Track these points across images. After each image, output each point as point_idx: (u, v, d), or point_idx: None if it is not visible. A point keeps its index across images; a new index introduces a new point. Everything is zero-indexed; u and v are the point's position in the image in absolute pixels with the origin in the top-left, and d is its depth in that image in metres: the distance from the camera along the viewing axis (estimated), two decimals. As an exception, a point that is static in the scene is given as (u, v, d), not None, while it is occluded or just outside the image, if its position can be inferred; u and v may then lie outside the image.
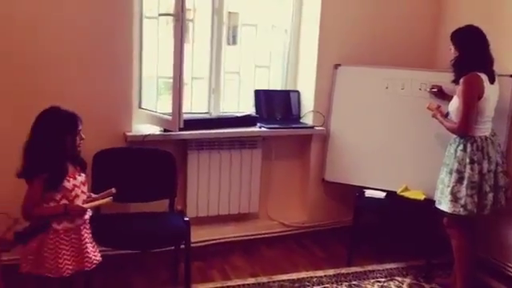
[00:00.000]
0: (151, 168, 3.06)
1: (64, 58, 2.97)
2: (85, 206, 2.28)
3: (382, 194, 3.43)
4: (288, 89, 3.91)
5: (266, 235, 3.74)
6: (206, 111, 3.66)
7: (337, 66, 3.70)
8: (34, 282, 2.27)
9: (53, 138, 2.19)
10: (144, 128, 3.26)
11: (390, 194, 3.42)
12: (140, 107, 3.31)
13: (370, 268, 3.38)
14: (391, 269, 3.39)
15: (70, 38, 2.97)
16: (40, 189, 2.16)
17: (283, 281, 3.15)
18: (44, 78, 2.93)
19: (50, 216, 2.18)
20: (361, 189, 3.51)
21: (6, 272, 2.41)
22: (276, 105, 3.84)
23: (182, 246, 2.88)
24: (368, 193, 3.47)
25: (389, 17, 3.81)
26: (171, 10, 2.98)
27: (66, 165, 2.26)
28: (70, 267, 2.22)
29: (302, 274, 3.25)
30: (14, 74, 2.88)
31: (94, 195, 2.46)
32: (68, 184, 2.23)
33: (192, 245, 2.85)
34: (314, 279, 3.19)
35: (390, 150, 3.56)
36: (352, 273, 3.31)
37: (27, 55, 2.89)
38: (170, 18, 3.04)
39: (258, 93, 3.78)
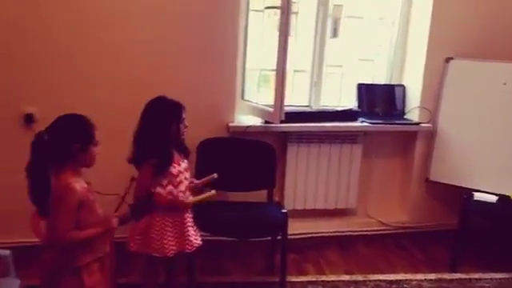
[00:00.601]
0: (252, 159, 3.12)
1: (171, 50, 3.12)
2: (189, 200, 2.37)
3: (494, 198, 3.19)
4: (393, 83, 3.76)
5: (363, 232, 3.65)
6: (307, 104, 3.65)
7: (448, 59, 3.49)
8: (141, 259, 2.44)
9: (159, 125, 2.29)
10: (246, 119, 3.33)
11: (503, 199, 3.16)
12: (243, 99, 3.38)
13: (476, 276, 3.16)
14: (501, 279, 3.14)
15: (179, 30, 3.11)
16: (149, 174, 2.27)
17: (379, 281, 3.06)
18: (153, 69, 3.10)
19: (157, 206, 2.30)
20: (469, 191, 3.29)
21: (117, 249, 2.60)
22: (379, 99, 3.71)
23: (279, 238, 2.91)
24: (477, 196, 3.23)
25: (509, 7, 3.50)
26: (277, 3, 3.00)
27: (172, 151, 2.36)
28: (174, 248, 2.34)
29: (400, 276, 3.13)
30: (124, 67, 3.08)
31: (196, 181, 2.56)
32: (174, 170, 2.34)
33: (288, 237, 2.86)
34: (413, 282, 3.06)
35: (504, 151, 3.29)
36: (456, 279, 3.11)
37: (136, 48, 3.07)
38: (276, 11, 3.06)
39: (360, 87, 3.68)
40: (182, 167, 2.39)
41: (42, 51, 2.95)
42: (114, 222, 1.92)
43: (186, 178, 2.42)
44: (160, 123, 2.29)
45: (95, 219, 1.87)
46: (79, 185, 1.81)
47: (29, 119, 2.97)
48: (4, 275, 2.37)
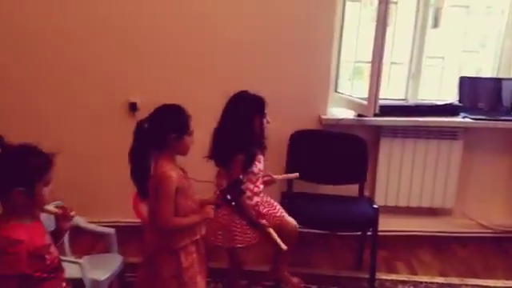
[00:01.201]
0: (343, 152, 3.08)
1: (265, 42, 3.15)
2: (265, 223, 2.30)
3: None
4: (500, 76, 3.49)
5: (461, 234, 3.46)
6: (403, 98, 3.51)
7: None
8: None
9: (243, 120, 2.26)
10: (339, 112, 3.29)
11: None
12: (336, 91, 3.34)
13: None
14: None
15: (273, 22, 3.14)
16: (239, 170, 2.23)
17: (477, 286, 2.88)
18: (247, 61, 3.16)
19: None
20: None
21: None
22: (483, 94, 3.46)
23: (369, 233, 2.85)
24: None
25: None
26: (376, -8, 2.91)
27: (256, 148, 2.33)
28: (255, 235, 2.35)
29: (500, 283, 2.93)
30: (220, 60, 3.18)
31: (275, 176, 2.55)
32: (255, 168, 2.32)
33: (378, 233, 2.79)
34: (516, 290, 2.85)
35: None
36: None
37: (230, 40, 3.15)
38: (373, 1, 2.98)
39: (463, 80, 3.46)
40: (261, 165, 2.36)
41: (151, 49, 3.17)
42: (211, 212, 1.97)
43: (262, 176, 2.42)
44: (243, 118, 2.27)
45: (191, 205, 1.95)
46: (175, 172, 1.88)
47: (133, 107, 3.19)
48: (108, 251, 2.58)
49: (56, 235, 1.64)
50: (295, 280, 2.62)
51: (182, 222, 1.90)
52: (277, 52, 3.17)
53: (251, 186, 2.31)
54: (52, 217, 1.63)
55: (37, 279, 1.48)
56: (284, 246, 2.29)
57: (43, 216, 1.60)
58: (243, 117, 2.26)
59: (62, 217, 1.61)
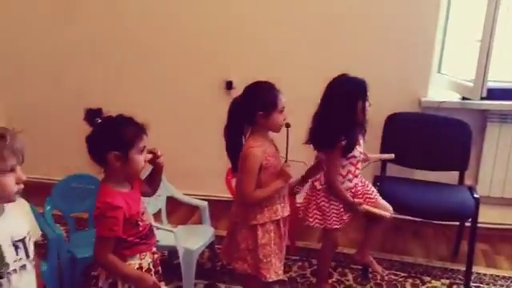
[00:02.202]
0: (444, 137, 2.89)
1: (364, 21, 3.06)
2: (362, 208, 2.27)
3: None
4: None
5: None
6: (515, 80, 3.21)
7: None
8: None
9: (345, 104, 2.18)
10: (440, 94, 3.10)
11: None
12: (439, 72, 3.15)
13: None
14: None
15: (372, 2, 3.02)
16: (339, 157, 2.20)
17: None
18: (339, 43, 3.10)
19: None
20: None
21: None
22: None
23: (467, 224, 2.68)
24: None
25: None
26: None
27: (357, 131, 2.26)
28: (345, 218, 2.32)
29: None
30: (314, 41, 3.13)
31: (370, 155, 2.47)
32: (356, 152, 2.25)
33: (478, 225, 2.61)
34: None
35: None
36: None
37: (321, 21, 3.09)
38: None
39: None
40: (361, 148, 2.30)
41: (249, 30, 3.23)
42: (289, 170, 1.94)
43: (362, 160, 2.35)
44: (346, 102, 2.19)
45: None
46: (261, 149, 1.90)
47: (229, 86, 3.27)
48: (201, 223, 2.70)
49: (154, 175, 1.76)
50: (379, 268, 2.55)
51: (264, 192, 1.92)
52: (376, 31, 3.06)
53: (352, 169, 2.28)
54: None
55: (129, 243, 1.60)
56: (386, 213, 2.30)
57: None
58: (346, 101, 2.18)
59: (154, 158, 1.70)
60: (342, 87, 2.21)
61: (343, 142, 2.17)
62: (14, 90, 3.69)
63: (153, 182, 1.79)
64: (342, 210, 2.30)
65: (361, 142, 2.31)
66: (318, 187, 2.30)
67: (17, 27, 3.58)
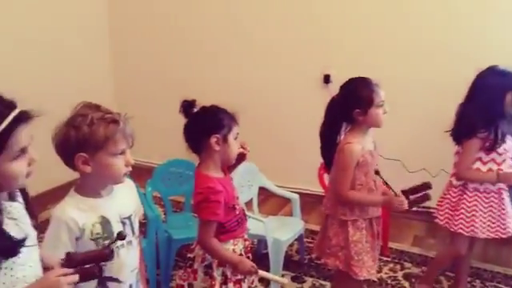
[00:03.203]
0: None
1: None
2: None
3: None
4: None
5: None
6: None
7: None
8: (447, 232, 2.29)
9: (489, 95, 2.05)
10: None
11: None
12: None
13: None
14: None
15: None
16: (476, 149, 2.08)
17: None
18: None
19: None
20: None
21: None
22: None
23: None
24: None
25: None
26: None
27: (504, 126, 2.09)
28: (486, 230, 2.15)
29: None
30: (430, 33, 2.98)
31: None
32: (500, 149, 2.08)
33: None
34: None
35: None
36: None
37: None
38: None
39: None
40: (508, 145, 2.10)
41: (348, 22, 3.17)
42: (399, 205, 1.84)
43: (510, 158, 2.14)
44: (491, 93, 2.05)
45: (369, 182, 1.90)
46: (360, 146, 1.85)
47: (326, 79, 3.24)
48: (291, 215, 2.71)
49: (233, 165, 1.77)
50: None
51: (359, 197, 1.88)
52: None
53: (494, 167, 2.11)
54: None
55: (225, 228, 1.65)
56: None
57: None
58: (490, 92, 2.06)
59: (242, 155, 1.72)
60: (486, 78, 2.11)
61: (483, 134, 2.05)
62: (124, 77, 3.94)
63: (229, 172, 1.79)
64: (475, 217, 2.13)
65: (508, 140, 2.11)
66: (454, 183, 2.19)
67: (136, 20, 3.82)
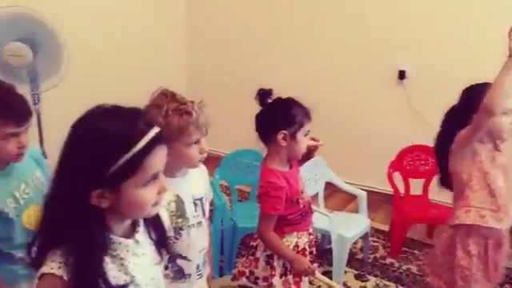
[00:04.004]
0: None
1: None
2: None
3: None
4: None
5: None
6: None
7: None
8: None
9: None
10: None
11: None
12: None
13: None
14: None
15: None
16: None
17: None
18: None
19: None
20: None
21: None
22: None
23: None
24: None
25: None
26: None
27: None
28: None
29: None
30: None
31: None
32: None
33: None
34: None
35: None
36: None
37: None
38: None
39: None
40: None
41: (429, 16, 3.03)
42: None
43: None
44: None
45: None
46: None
47: (401, 75, 3.13)
48: (356, 212, 2.66)
49: (303, 159, 1.75)
50: None
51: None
52: None
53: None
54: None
55: (289, 221, 1.65)
56: None
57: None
58: None
59: (313, 147, 1.71)
60: None
61: None
62: (198, 65, 4.03)
63: (300, 163, 1.78)
64: None
65: None
66: None
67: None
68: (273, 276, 1.64)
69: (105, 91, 3.30)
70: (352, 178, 3.05)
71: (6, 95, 1.36)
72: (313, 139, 1.69)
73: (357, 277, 2.51)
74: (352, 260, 2.57)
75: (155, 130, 0.90)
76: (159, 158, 0.91)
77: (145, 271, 0.99)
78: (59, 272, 0.87)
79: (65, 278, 0.87)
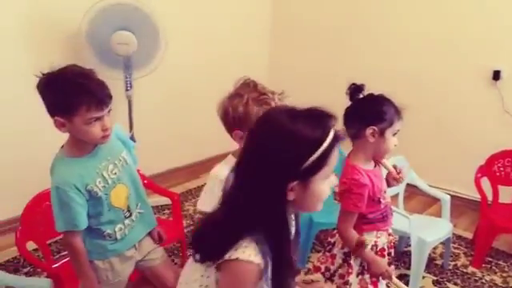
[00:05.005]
0: None
1: None
2: None
3: None
4: None
5: None
6: None
7: None
8: None
9: None
10: None
11: None
12: None
13: None
14: None
15: None
16: None
17: None
18: None
19: None
20: None
21: None
22: None
23: None
24: None
25: None
26: None
27: None
28: None
29: None
30: None
31: None
32: None
33: None
34: None
35: None
36: None
37: None
38: None
39: None
40: None
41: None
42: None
43: None
44: None
45: None
46: None
47: (496, 76, 2.94)
48: (437, 216, 2.55)
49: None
50: None
51: None
52: None
53: None
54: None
55: (369, 220, 1.62)
56: None
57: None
58: None
59: (392, 176, 1.67)
60: None
61: None
62: (279, 57, 4.04)
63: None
64: None
65: None
66: None
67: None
68: (349, 274, 1.62)
69: (192, 78, 3.48)
70: (433, 180, 2.92)
71: (86, 81, 1.41)
72: (394, 168, 1.64)
73: (435, 283, 2.41)
74: (430, 265, 2.47)
75: (334, 129, 1.02)
76: (337, 154, 1.03)
77: None
78: (257, 259, 1.00)
79: (261, 265, 1.00)
